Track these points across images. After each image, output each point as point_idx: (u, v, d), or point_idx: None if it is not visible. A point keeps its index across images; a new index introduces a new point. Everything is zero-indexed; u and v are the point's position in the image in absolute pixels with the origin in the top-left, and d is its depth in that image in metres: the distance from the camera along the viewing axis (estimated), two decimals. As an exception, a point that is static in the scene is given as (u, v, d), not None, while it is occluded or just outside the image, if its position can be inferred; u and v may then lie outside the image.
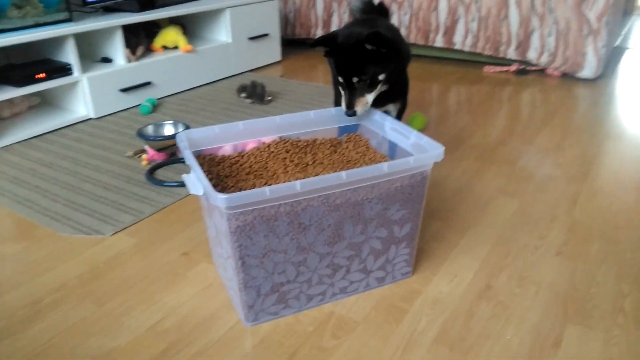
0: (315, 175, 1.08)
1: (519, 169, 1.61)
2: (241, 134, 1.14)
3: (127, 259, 1.20)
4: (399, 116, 1.35)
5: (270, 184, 1.05)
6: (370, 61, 1.13)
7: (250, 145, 1.16)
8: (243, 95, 2.20)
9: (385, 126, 1.17)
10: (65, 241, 1.27)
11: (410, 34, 2.79)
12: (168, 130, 1.72)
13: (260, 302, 0.96)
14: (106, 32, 2.13)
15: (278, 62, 2.94)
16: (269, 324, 0.99)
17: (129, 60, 2.14)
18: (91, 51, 2.22)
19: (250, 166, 1.11)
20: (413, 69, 2.68)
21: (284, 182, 1.06)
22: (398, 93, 1.33)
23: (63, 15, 1.96)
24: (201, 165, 1.06)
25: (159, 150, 1.66)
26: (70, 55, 1.96)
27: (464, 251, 1.20)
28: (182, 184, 1.51)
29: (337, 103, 1.28)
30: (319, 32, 3.05)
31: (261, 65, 2.82)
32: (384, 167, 0.93)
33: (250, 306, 0.96)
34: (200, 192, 0.89)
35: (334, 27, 3.01)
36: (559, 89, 2.39)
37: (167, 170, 1.63)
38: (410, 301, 1.04)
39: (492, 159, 1.67)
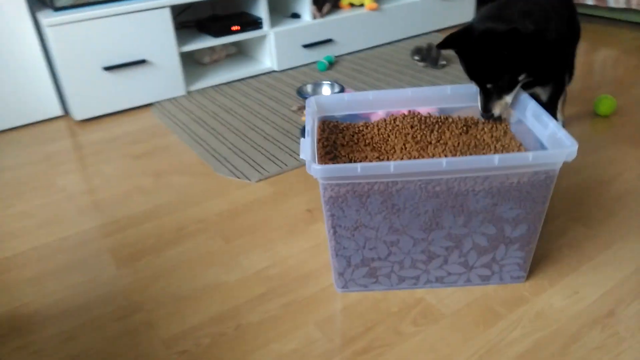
0: (432, 156, 1.03)
1: None
2: (370, 105, 1.14)
3: (262, 205, 1.33)
4: (552, 100, 1.18)
5: (383, 159, 1.05)
6: (506, 64, 0.99)
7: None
8: (417, 58, 2.15)
9: (527, 110, 1.04)
10: (218, 180, 1.46)
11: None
12: (325, 90, 1.79)
13: (350, 271, 0.99)
14: (297, -11, 2.26)
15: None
16: (358, 294, 1.01)
17: (314, 17, 2.25)
18: (283, 7, 2.38)
19: (372, 137, 1.11)
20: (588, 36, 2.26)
21: (399, 159, 1.05)
22: (549, 76, 1.16)
23: (261, -27, 2.14)
24: (322, 131, 1.10)
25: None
26: (261, 10, 2.14)
27: (598, 267, 1.04)
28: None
29: None
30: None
31: (449, 25, 2.69)
32: (495, 159, 0.85)
33: (340, 273, 0.99)
34: (306, 158, 0.94)
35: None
36: None
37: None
38: (511, 308, 0.96)
39: (690, 163, 1.37)
